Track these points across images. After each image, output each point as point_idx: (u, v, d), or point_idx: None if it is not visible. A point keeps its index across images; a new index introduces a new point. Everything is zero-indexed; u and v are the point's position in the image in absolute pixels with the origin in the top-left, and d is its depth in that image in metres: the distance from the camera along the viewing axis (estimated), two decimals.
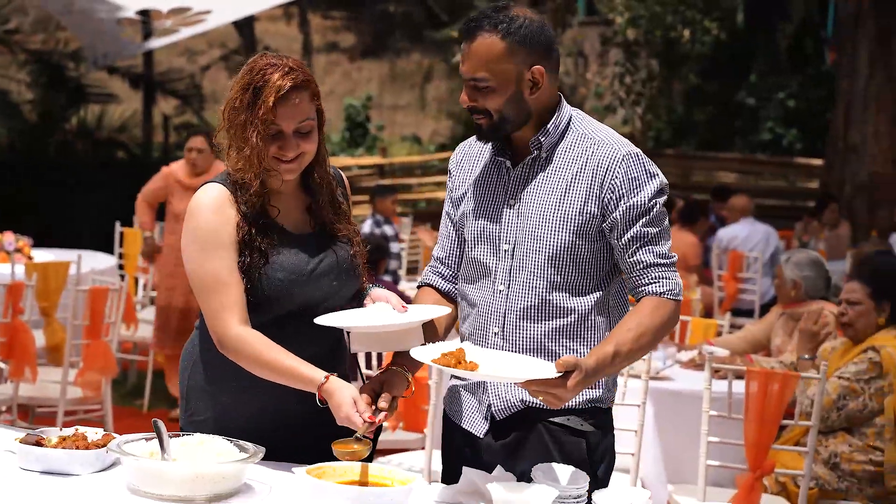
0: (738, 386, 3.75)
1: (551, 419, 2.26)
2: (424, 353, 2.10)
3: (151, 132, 15.10)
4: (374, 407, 2.14)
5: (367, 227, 7.88)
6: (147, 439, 2.08)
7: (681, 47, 16.34)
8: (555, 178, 2.27)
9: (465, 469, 2.14)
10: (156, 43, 11.27)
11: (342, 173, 2.49)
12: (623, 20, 15.72)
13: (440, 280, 2.46)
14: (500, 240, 2.30)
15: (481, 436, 2.31)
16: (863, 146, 11.29)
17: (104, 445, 2.10)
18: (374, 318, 2.24)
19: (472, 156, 2.42)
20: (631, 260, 2.25)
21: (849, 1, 11.33)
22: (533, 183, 2.29)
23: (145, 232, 6.43)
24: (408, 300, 5.61)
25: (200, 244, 2.22)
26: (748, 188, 11.58)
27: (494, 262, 2.30)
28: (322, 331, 2.23)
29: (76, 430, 2.16)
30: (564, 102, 2.33)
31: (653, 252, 2.24)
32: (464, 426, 2.35)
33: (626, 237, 2.24)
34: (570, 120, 2.31)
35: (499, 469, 2.20)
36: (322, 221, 2.34)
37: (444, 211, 2.48)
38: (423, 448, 4.07)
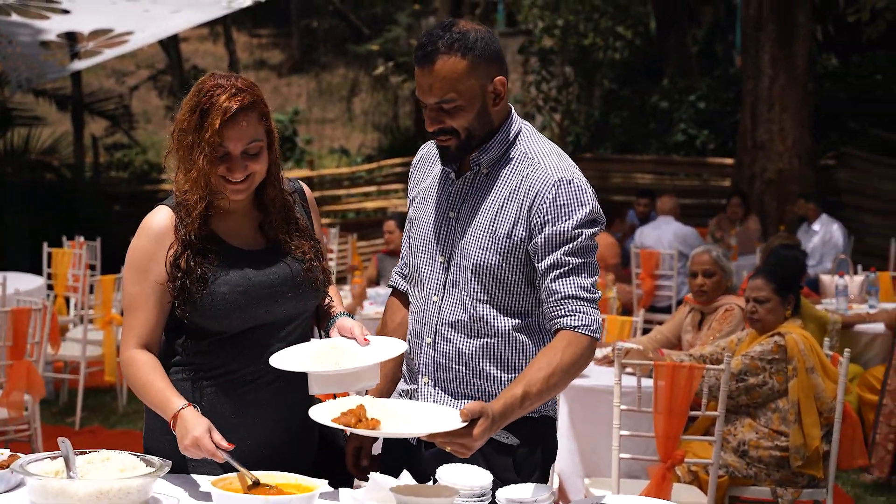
0: (649, 381, 3.86)
1: None
2: (323, 413, 2.05)
3: (82, 153, 14.94)
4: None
5: None
6: (52, 458, 2.07)
7: (594, 54, 16.63)
8: (490, 197, 2.23)
9: (371, 474, 2.15)
10: (80, 65, 11.04)
11: (304, 186, 2.46)
12: (538, 29, 15.98)
13: (402, 281, 2.45)
14: (436, 251, 2.27)
15: (414, 443, 2.31)
16: (770, 144, 11.62)
17: (8, 466, 2.10)
18: (329, 363, 2.23)
19: (427, 159, 2.39)
20: (549, 288, 2.17)
21: (751, 5, 11.66)
22: (471, 199, 2.25)
23: None
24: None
25: (132, 265, 2.28)
26: (664, 188, 11.84)
27: (429, 272, 2.28)
28: (288, 344, 2.28)
29: None
30: (515, 115, 2.29)
31: (573, 284, 2.15)
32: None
33: (545, 263, 2.17)
34: (517, 135, 2.26)
35: (405, 473, 2.24)
36: (275, 237, 2.32)
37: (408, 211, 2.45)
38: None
